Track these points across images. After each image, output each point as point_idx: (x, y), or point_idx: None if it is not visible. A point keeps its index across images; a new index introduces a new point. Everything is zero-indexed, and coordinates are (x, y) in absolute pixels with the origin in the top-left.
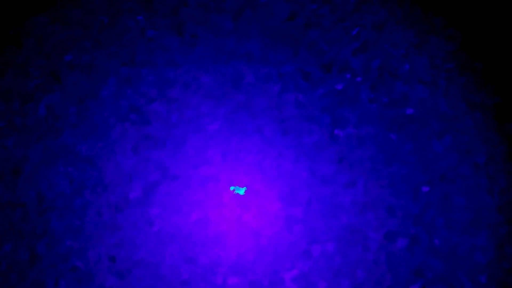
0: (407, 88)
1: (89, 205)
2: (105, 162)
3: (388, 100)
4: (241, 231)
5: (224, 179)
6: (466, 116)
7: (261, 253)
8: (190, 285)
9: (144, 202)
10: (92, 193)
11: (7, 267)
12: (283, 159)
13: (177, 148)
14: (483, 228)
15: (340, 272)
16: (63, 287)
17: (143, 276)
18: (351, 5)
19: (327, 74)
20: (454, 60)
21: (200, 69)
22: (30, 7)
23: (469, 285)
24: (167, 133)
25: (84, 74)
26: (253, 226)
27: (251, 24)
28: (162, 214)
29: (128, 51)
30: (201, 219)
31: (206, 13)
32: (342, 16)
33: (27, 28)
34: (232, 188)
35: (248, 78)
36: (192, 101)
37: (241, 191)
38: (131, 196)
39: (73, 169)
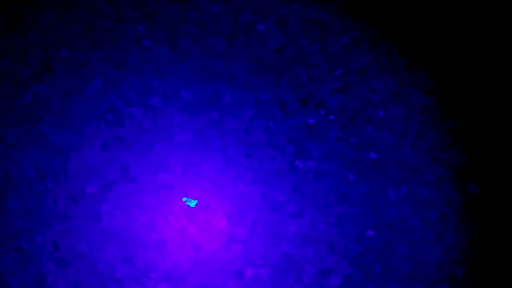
0: (376, 133)
1: (47, 192)
2: (72, 154)
3: (354, 142)
4: (182, 242)
5: (178, 189)
6: (428, 171)
7: (196, 266)
8: (122, 284)
9: (98, 198)
10: (53, 181)
11: None
12: (240, 180)
13: (142, 153)
14: (420, 282)
15: None
16: (4, 264)
17: (80, 268)
18: (341, 47)
19: (302, 107)
20: (428, 115)
21: (182, 83)
22: (39, 2)
23: None
24: (136, 136)
25: (75, 70)
26: (195, 239)
27: (242, 49)
28: (112, 212)
29: (120, 56)
30: (147, 223)
31: (203, 32)
32: (330, 56)
33: (34, 20)
34: (184, 199)
35: (225, 98)
36: (167, 111)
37: (192, 203)
38: (88, 190)
39: (42, 156)
